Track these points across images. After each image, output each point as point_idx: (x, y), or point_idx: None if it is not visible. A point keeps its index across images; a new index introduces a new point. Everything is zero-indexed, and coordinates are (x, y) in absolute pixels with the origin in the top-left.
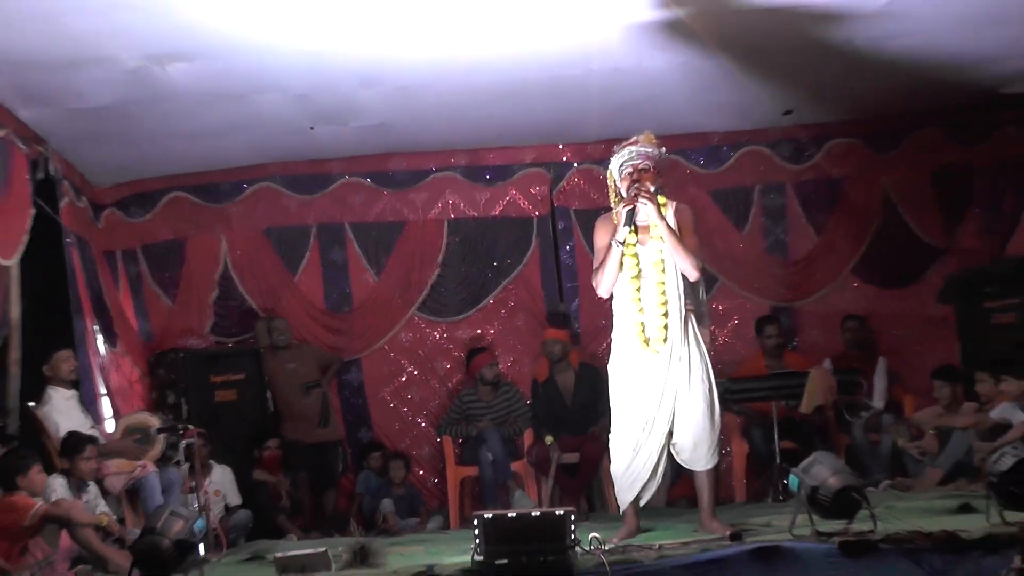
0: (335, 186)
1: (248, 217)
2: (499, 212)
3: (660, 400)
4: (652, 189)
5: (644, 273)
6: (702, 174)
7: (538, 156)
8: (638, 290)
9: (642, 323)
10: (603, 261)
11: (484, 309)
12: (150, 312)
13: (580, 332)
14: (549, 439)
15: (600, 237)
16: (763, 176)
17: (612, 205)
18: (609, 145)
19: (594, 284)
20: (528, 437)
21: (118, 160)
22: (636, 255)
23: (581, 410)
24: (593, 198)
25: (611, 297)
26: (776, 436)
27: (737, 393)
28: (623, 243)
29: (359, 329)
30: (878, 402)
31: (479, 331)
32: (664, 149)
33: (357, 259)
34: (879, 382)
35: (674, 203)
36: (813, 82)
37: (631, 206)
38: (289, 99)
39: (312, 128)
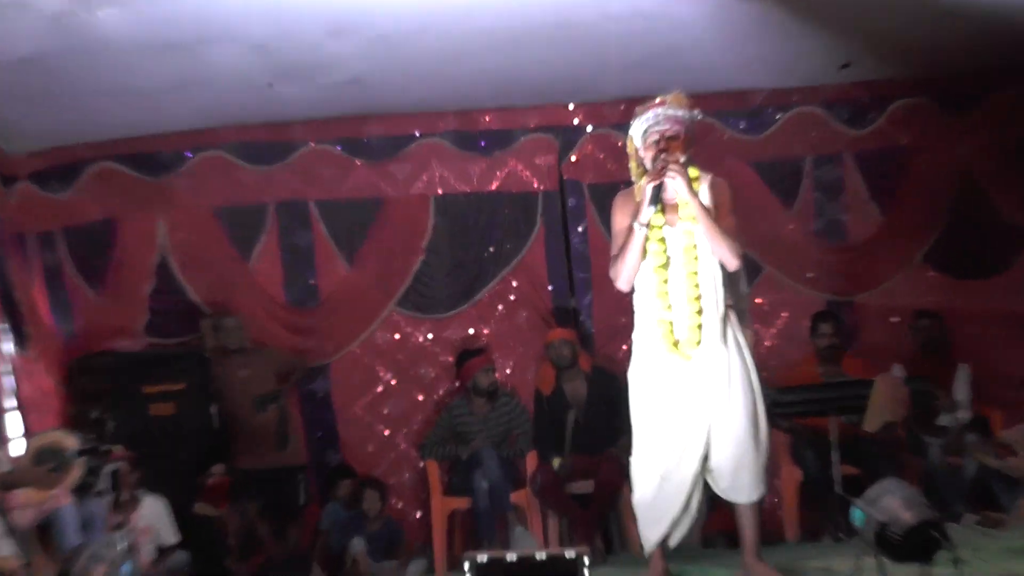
0: (298, 155)
1: (193, 193)
2: (497, 187)
3: (693, 416)
4: (682, 160)
5: (673, 261)
6: (742, 141)
7: (544, 119)
8: (665, 282)
9: (670, 322)
10: (623, 247)
11: (478, 304)
12: (71, 308)
13: (594, 333)
14: (557, 462)
15: (620, 218)
16: (816, 144)
17: (633, 179)
18: (630, 106)
19: (612, 275)
20: (531, 460)
21: (35, 124)
22: (663, 240)
23: (595, 426)
24: (610, 170)
25: (632, 291)
26: (835, 460)
27: (786, 407)
28: (647, 225)
29: (326, 328)
30: (961, 416)
31: (472, 331)
32: (697, 112)
33: (325, 243)
34: (960, 393)
35: (708, 176)
36: (876, 30)
37: (657, 181)
38: (244, 51)
39: (271, 86)
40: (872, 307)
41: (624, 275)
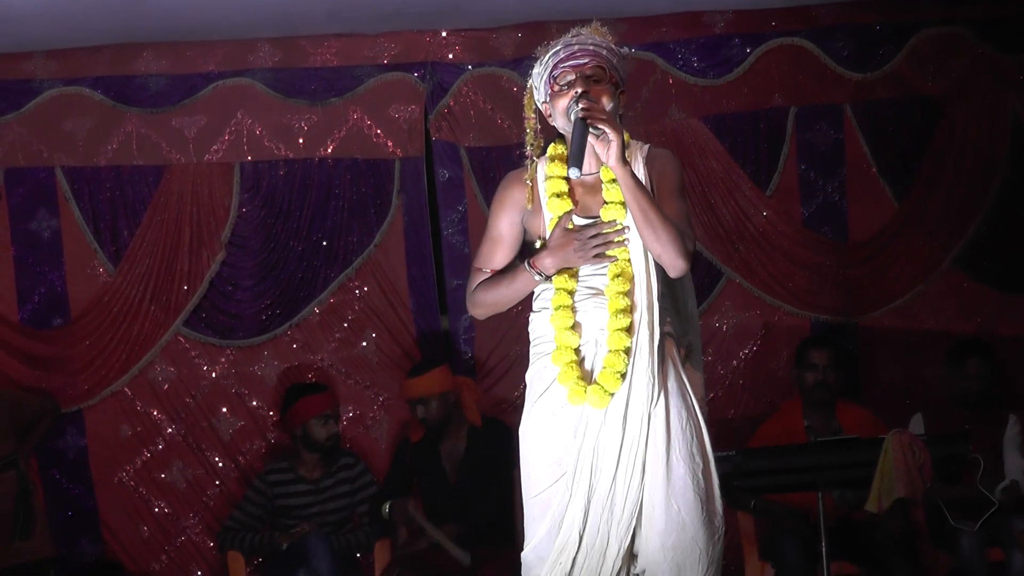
0: (39, 101)
1: None
2: (333, 150)
3: (610, 493)
4: (609, 108)
5: (586, 268)
6: (695, 88)
7: (403, 51)
8: (571, 293)
9: (576, 349)
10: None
11: (304, 325)
12: None
13: (476, 367)
14: (387, 507)
15: (497, 216)
16: (802, 92)
17: (528, 150)
18: (530, 33)
19: (468, 300)
20: (381, 554)
21: None
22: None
23: (475, 500)
24: (500, 126)
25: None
26: (823, 553)
27: (754, 477)
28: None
29: (81, 358)
30: (1007, 491)
31: (295, 363)
32: (625, 48)
33: (77, 232)
34: (1008, 458)
35: (644, 147)
36: None
37: (583, 117)
38: None
39: None
40: (881, 332)
41: (487, 307)
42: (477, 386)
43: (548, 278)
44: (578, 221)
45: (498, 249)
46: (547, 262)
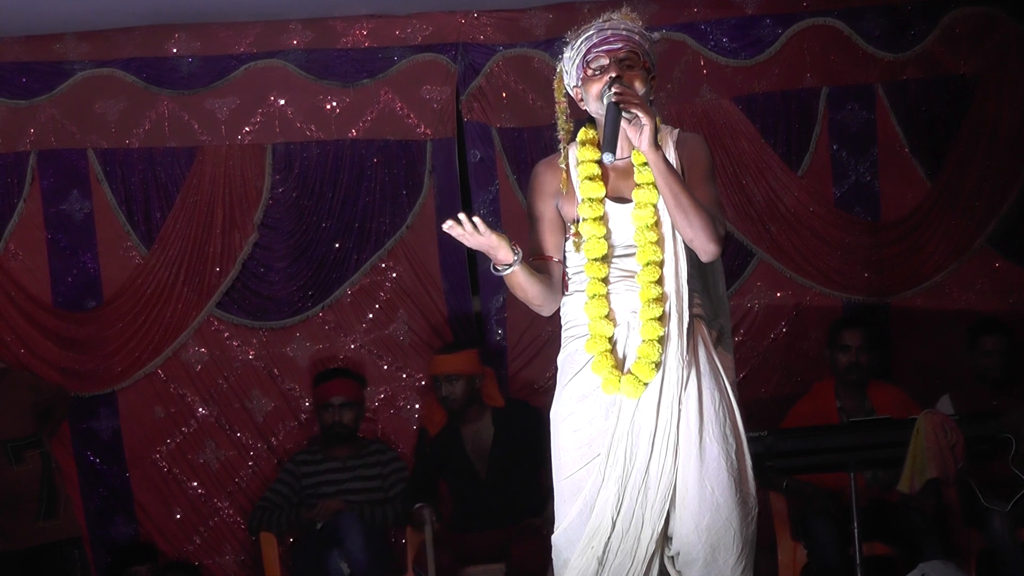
0: (71, 83)
1: None
2: (364, 131)
3: (644, 476)
4: (642, 93)
5: (618, 250)
6: (727, 69)
7: (435, 32)
8: (603, 280)
9: (608, 338)
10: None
11: (336, 306)
12: None
13: (507, 349)
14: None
15: (538, 203)
16: (834, 73)
17: (559, 135)
18: (561, 15)
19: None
20: (413, 538)
21: None
22: (602, 219)
23: (505, 486)
24: (532, 107)
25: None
26: (855, 534)
27: (786, 458)
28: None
29: (114, 340)
30: None
31: (327, 344)
32: (656, 34)
33: (110, 214)
34: None
35: (674, 131)
36: None
37: (616, 102)
38: None
39: None
40: (913, 312)
41: (529, 305)
42: (503, 371)
43: (511, 264)
44: (609, 204)
45: (546, 234)
46: (493, 256)
